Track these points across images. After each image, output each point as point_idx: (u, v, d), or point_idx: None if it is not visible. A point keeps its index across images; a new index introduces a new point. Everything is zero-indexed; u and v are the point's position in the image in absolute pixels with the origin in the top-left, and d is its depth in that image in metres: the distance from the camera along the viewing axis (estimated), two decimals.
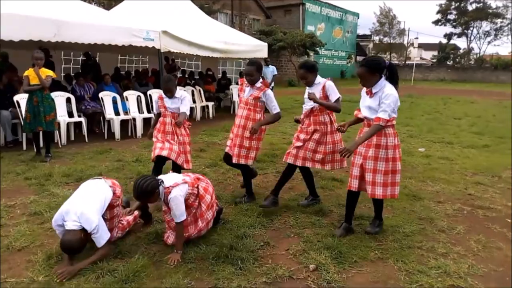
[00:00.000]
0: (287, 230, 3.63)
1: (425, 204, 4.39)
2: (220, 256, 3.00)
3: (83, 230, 2.82)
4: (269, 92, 4.14)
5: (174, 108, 4.40)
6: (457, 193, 4.80)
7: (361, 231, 3.60)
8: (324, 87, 3.92)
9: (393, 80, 3.32)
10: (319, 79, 3.99)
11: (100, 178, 3.28)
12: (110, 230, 3.10)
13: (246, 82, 4.22)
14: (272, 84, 12.55)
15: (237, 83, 12.95)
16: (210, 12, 21.44)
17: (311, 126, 3.99)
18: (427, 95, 20.15)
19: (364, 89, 3.42)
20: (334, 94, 3.91)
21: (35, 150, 6.11)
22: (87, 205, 2.88)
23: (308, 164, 4.03)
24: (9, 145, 6.73)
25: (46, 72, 5.78)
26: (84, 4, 8.99)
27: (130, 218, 3.42)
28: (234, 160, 4.19)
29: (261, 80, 4.16)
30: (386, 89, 3.22)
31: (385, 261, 3.10)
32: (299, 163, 4.01)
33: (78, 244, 2.79)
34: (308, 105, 4.00)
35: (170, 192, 3.01)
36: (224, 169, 5.44)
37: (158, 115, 4.55)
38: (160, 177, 3.16)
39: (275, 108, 4.13)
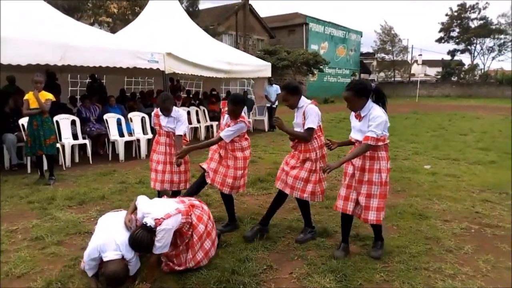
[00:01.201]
0: (291, 252, 3.57)
1: (431, 223, 4.31)
2: (221, 281, 2.94)
3: (123, 259, 2.79)
4: (242, 123, 3.88)
5: (169, 127, 4.27)
6: (464, 211, 4.71)
7: (366, 253, 3.52)
8: (304, 112, 3.62)
9: (381, 103, 3.34)
10: (303, 101, 3.69)
11: (121, 210, 3.26)
12: None
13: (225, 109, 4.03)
14: (276, 103, 12.63)
15: None
16: (215, 34, 21.76)
17: (302, 154, 3.71)
18: (432, 111, 20.11)
19: (353, 113, 3.43)
20: (309, 122, 3.58)
21: (39, 173, 6.12)
22: (125, 234, 2.86)
23: (296, 195, 3.72)
24: (14, 168, 6.77)
25: (45, 96, 5.79)
26: (90, 28, 9.18)
27: None
28: (221, 189, 3.94)
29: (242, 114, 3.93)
30: (374, 111, 3.24)
31: (391, 284, 3.02)
32: (287, 191, 3.75)
33: (125, 272, 2.77)
34: (297, 130, 3.75)
35: (161, 224, 2.88)
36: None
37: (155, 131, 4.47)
38: (152, 205, 3.05)
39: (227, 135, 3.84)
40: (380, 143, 3.22)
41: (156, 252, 2.91)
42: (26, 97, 5.79)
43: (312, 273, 3.15)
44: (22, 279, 3.04)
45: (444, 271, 3.21)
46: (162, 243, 2.88)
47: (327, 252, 3.54)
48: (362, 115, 3.29)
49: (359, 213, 3.43)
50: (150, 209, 2.98)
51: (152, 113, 4.42)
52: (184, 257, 3.12)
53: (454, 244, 3.75)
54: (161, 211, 2.94)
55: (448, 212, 4.70)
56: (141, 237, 2.81)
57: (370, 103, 3.29)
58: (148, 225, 2.86)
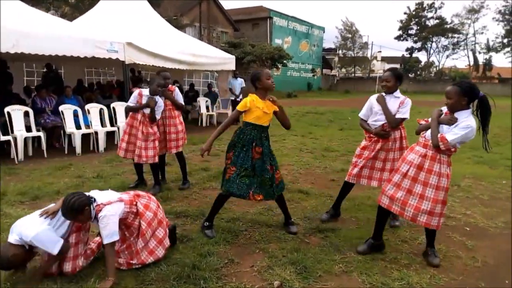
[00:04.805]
0: (252, 245, 3.57)
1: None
2: (182, 277, 2.90)
3: (22, 246, 2.74)
4: (177, 91, 5.21)
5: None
6: None
7: (326, 245, 3.59)
8: (403, 102, 3.90)
9: (483, 116, 3.07)
10: (399, 93, 3.94)
11: None
12: (75, 257, 2.91)
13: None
14: (241, 96, 12.58)
15: (204, 95, 12.89)
16: (179, 26, 21.33)
17: (379, 144, 3.97)
18: None
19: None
20: (406, 112, 3.92)
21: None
22: (29, 218, 2.82)
23: (374, 184, 4.00)
24: None
25: None
26: (45, 15, 8.74)
27: (94, 246, 3.17)
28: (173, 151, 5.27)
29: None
30: (469, 120, 3.00)
31: (349, 275, 3.10)
32: (364, 182, 4.03)
33: (11, 258, 2.70)
34: (379, 121, 3.97)
35: (100, 210, 2.81)
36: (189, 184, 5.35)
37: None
38: (95, 194, 2.95)
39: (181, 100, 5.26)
40: (448, 152, 3.14)
41: (105, 242, 2.81)
42: (254, 102, 3.56)
43: (273, 265, 3.18)
44: None
45: (399, 261, 3.33)
46: (107, 231, 2.79)
47: (288, 244, 3.58)
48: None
49: (407, 214, 3.25)
50: (93, 195, 2.92)
51: (135, 93, 4.94)
52: (136, 247, 3.04)
53: (409, 235, 3.90)
54: (103, 198, 2.89)
55: None
56: (76, 198, 2.73)
57: (468, 112, 3.05)
58: (92, 198, 2.84)
